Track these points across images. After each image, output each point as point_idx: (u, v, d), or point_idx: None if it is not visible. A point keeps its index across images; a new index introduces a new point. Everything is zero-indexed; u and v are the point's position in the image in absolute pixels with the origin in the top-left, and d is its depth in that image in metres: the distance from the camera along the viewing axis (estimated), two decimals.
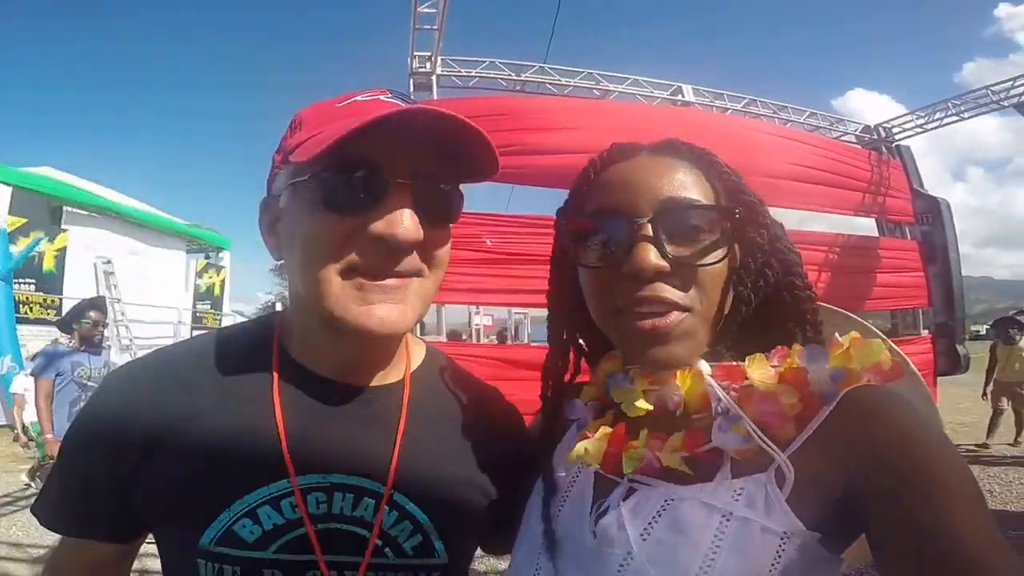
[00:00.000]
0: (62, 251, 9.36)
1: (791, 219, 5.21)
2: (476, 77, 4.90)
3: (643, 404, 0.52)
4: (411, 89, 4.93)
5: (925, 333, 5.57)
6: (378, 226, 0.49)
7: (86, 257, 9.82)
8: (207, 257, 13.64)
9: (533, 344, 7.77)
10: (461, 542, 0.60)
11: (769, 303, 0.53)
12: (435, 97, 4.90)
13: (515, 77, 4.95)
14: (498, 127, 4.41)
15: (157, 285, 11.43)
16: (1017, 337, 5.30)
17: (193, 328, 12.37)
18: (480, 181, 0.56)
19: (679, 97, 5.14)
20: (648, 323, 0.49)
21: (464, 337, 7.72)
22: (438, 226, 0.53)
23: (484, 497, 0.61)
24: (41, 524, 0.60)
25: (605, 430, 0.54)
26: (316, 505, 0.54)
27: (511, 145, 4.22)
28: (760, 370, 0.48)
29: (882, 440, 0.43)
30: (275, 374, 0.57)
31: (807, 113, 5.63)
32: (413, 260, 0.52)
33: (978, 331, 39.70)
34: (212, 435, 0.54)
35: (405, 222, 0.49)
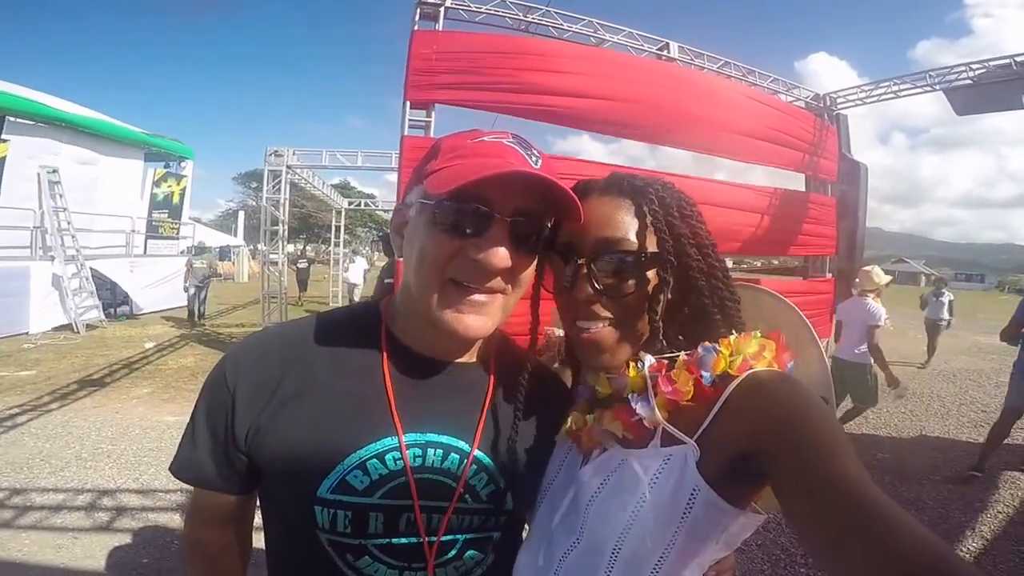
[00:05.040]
0: (1, 160, 8.75)
1: (738, 166, 5.93)
2: (484, 13, 5.05)
3: (605, 388, 0.68)
4: (416, 18, 5.04)
5: (829, 276, 6.82)
6: (478, 253, 0.58)
7: (31, 166, 9.20)
8: (166, 166, 12.86)
9: None
10: (526, 492, 0.70)
11: (700, 311, 0.65)
12: (440, 28, 5.00)
13: (521, 17, 5.16)
14: (502, 64, 4.77)
15: (110, 194, 10.85)
16: None
17: (148, 237, 11.89)
18: (567, 224, 0.65)
19: (665, 53, 5.61)
20: (585, 334, 0.64)
21: None
22: (526, 255, 0.62)
23: (546, 456, 0.72)
24: (176, 478, 0.68)
25: (576, 416, 0.69)
26: (413, 459, 0.63)
27: (512, 83, 4.67)
28: (678, 365, 0.61)
29: (767, 409, 0.52)
30: (384, 352, 0.67)
31: (770, 78, 6.34)
32: (501, 280, 0.61)
33: None
34: (332, 400, 0.63)
35: (500, 252, 0.58)
